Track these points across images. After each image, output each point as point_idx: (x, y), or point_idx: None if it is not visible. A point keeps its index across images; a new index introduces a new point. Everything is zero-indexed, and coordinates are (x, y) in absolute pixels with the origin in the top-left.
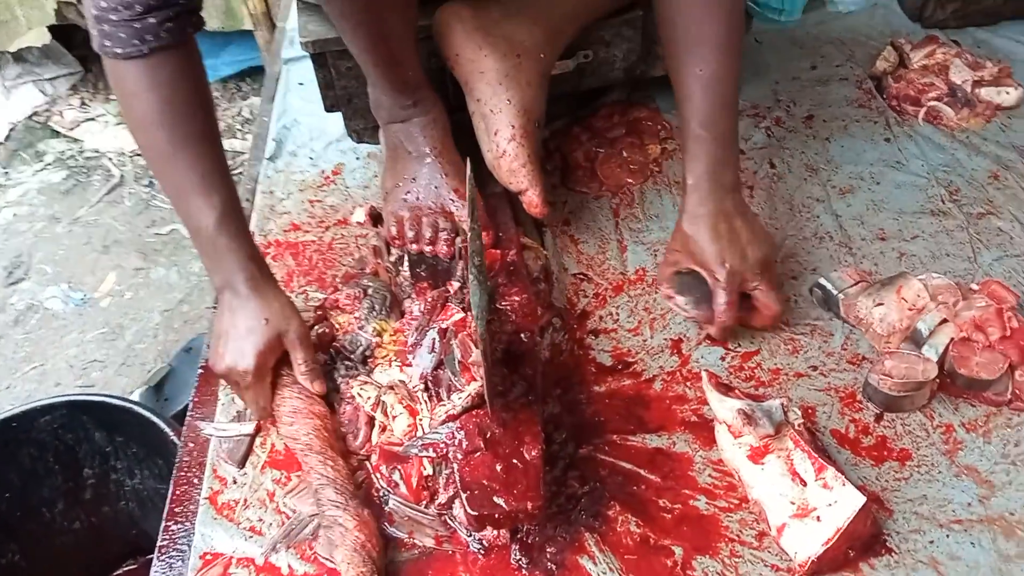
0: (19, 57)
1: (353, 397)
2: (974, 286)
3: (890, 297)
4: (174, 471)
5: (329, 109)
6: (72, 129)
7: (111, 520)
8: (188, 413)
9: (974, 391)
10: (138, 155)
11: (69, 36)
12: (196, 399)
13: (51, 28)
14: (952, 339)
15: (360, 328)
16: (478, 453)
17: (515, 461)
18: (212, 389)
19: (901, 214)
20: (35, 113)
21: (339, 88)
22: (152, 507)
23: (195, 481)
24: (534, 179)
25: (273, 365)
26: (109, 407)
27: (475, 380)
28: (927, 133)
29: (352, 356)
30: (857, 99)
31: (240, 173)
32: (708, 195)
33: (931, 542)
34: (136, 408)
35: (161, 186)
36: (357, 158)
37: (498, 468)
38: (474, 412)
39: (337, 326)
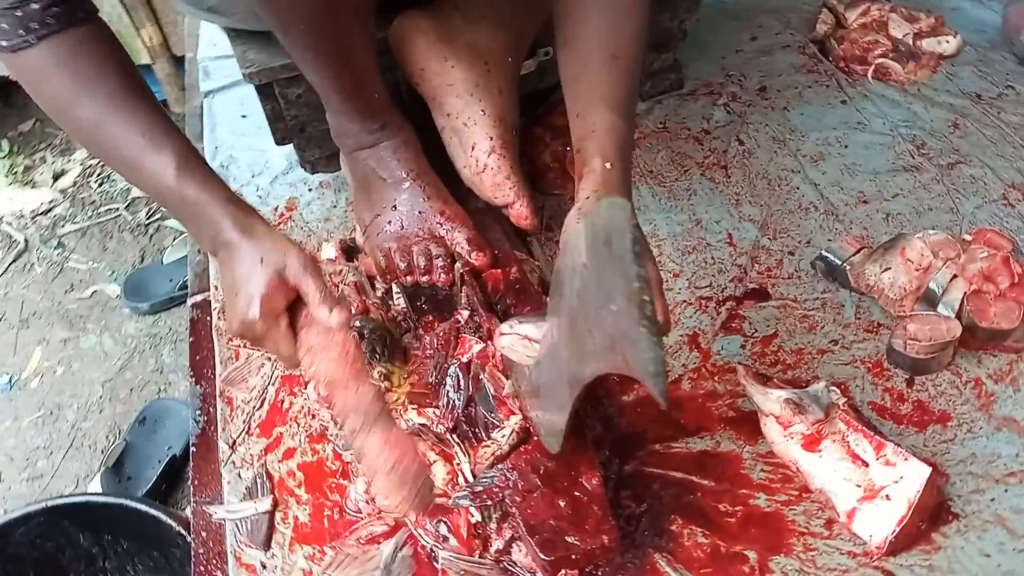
0: None
1: None
2: (967, 236)
3: (895, 260)
4: (192, 568)
5: (280, 142)
6: None
7: None
8: (192, 499)
9: (994, 342)
10: (40, 215)
11: None
12: (197, 481)
13: None
14: (965, 293)
15: None
16: (536, 492)
17: (578, 494)
18: (213, 468)
19: (876, 174)
20: None
21: (290, 118)
22: None
23: (218, 574)
24: (520, 191)
25: (287, 307)
26: (92, 507)
27: (514, 414)
28: (880, 90)
29: None
30: (804, 65)
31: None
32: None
33: (992, 499)
34: (124, 503)
35: (110, 165)
36: (310, 189)
37: (562, 504)
38: (522, 449)
39: None
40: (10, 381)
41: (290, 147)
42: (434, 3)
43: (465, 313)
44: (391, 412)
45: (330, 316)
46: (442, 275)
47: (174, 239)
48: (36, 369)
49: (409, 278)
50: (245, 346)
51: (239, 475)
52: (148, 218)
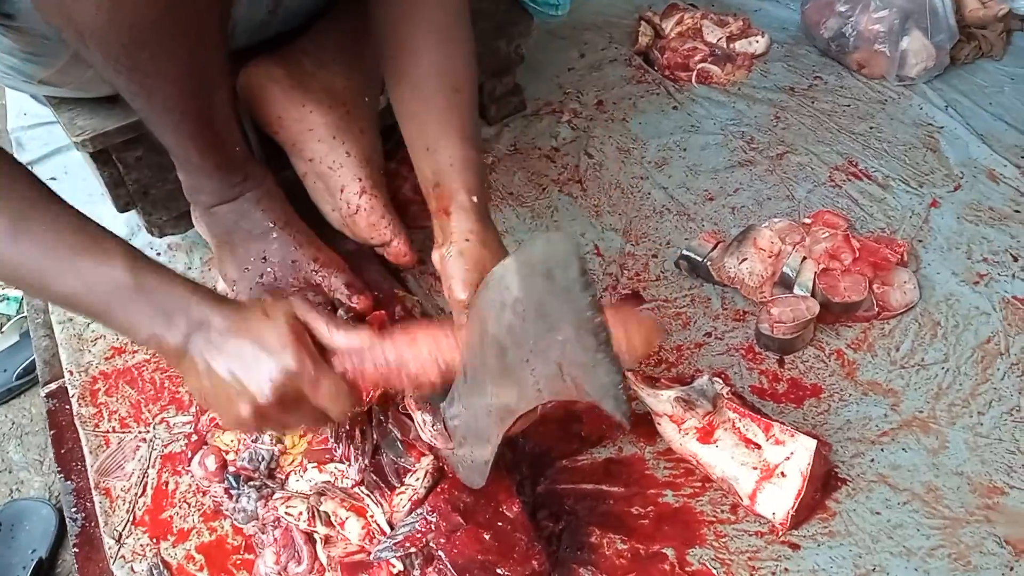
0: None
1: (279, 519)
2: (807, 220)
3: (749, 251)
4: None
5: (123, 209)
6: None
7: None
8: None
9: (848, 313)
10: None
11: None
12: None
13: None
14: (816, 273)
15: (255, 440)
16: (459, 530)
17: (500, 524)
18: (101, 567)
19: (716, 172)
20: None
21: (131, 183)
22: None
23: None
24: (396, 228)
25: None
26: None
27: (424, 455)
28: (705, 93)
29: (256, 474)
30: (633, 76)
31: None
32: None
33: (872, 460)
34: None
35: (25, 287)
36: (159, 254)
37: (487, 537)
38: (439, 489)
39: (224, 447)
40: None
41: (131, 213)
42: (279, 50)
43: None
44: None
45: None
46: None
47: (2, 326)
48: None
49: None
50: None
51: (132, 569)
52: None
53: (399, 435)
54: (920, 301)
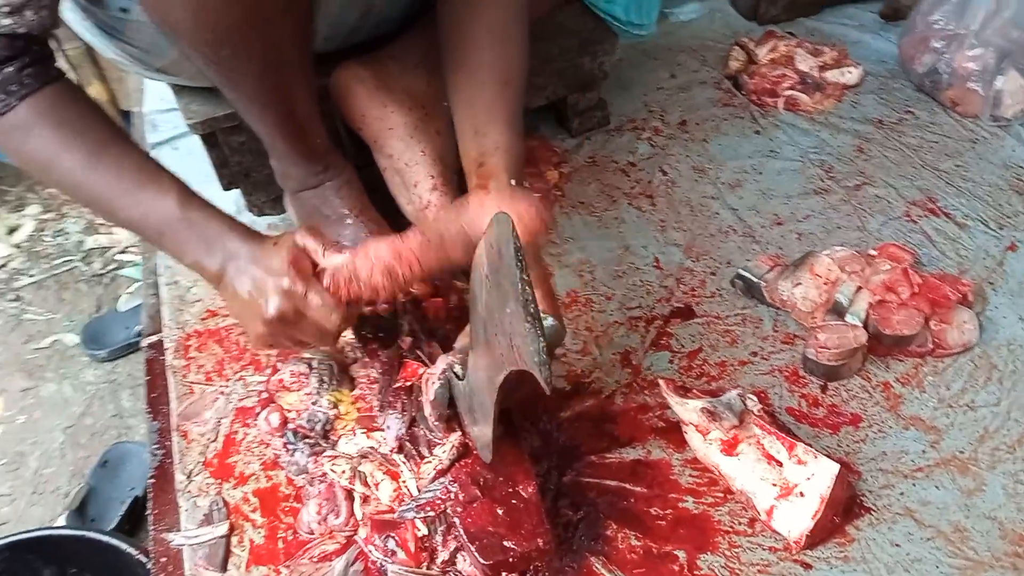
0: None
1: (325, 475)
2: (872, 251)
3: (805, 276)
4: None
5: (227, 187)
6: None
7: None
8: (150, 528)
9: (900, 347)
10: None
11: None
12: (155, 511)
13: None
14: (870, 303)
15: (314, 403)
16: (476, 502)
17: (514, 502)
18: (169, 497)
19: (789, 198)
20: None
21: (234, 165)
22: None
23: None
24: None
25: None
26: (56, 540)
27: (453, 431)
28: (790, 120)
29: (312, 433)
30: (720, 99)
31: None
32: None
33: (901, 493)
34: (87, 535)
35: (96, 210)
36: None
37: (500, 512)
38: (462, 462)
39: (287, 406)
40: None
41: (238, 192)
42: (371, 52)
43: (408, 340)
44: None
45: (337, 255)
46: (383, 304)
47: (129, 288)
48: None
49: None
50: (276, 354)
51: (195, 503)
52: (103, 268)
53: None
54: (980, 343)
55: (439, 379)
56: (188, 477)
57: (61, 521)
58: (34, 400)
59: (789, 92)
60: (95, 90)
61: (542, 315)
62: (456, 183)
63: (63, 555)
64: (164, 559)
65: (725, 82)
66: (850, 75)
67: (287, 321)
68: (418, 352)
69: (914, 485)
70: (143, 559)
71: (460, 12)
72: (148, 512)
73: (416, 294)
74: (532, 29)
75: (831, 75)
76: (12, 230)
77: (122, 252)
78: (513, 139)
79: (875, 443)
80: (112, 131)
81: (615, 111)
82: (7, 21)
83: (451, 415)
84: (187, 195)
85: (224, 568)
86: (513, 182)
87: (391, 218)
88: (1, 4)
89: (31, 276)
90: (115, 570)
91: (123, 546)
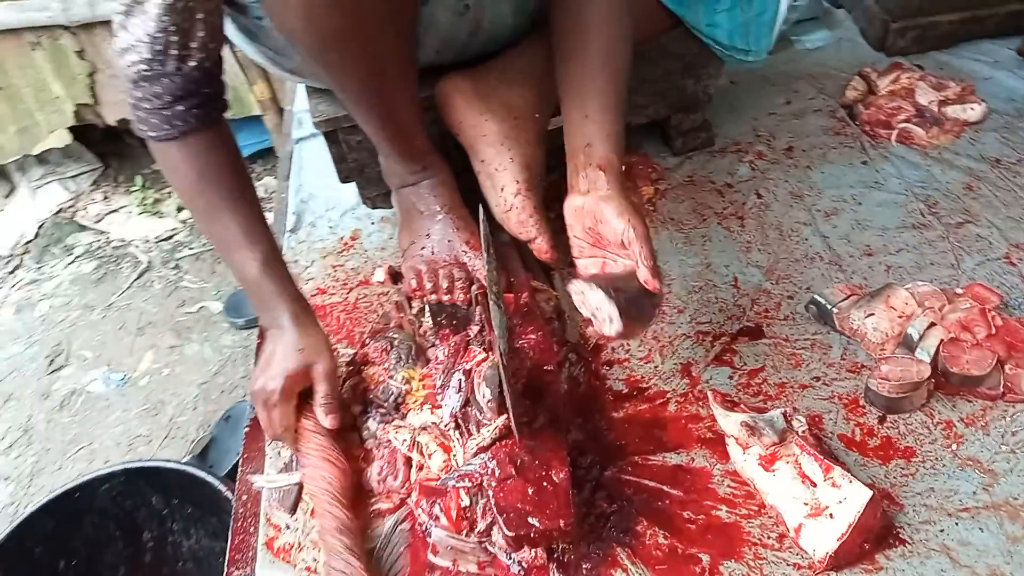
0: (42, 159)
1: (390, 441)
2: (959, 290)
3: (879, 307)
4: (231, 522)
5: (344, 180)
6: (97, 222)
7: None
8: (239, 468)
9: (968, 387)
10: (162, 240)
11: (87, 135)
12: (245, 455)
13: (70, 129)
14: (942, 340)
15: (390, 377)
16: (510, 480)
17: (545, 484)
18: (259, 445)
19: (885, 230)
20: (60, 210)
21: (351, 161)
22: (208, 567)
23: (251, 530)
24: (542, 228)
25: (300, 392)
26: (164, 471)
27: (501, 414)
28: (901, 153)
29: (385, 404)
30: (832, 128)
31: None
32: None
33: (941, 531)
34: (189, 470)
35: (211, 243)
36: (372, 223)
37: (530, 491)
38: (503, 443)
39: (368, 378)
40: (123, 379)
41: (355, 184)
42: (473, 67)
43: (475, 328)
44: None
45: (327, 419)
46: (460, 295)
47: None
48: (146, 370)
49: (434, 296)
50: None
51: (279, 453)
52: None
53: (485, 395)
54: None
55: (491, 364)
56: None
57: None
58: (178, 357)
59: (904, 124)
60: (260, 89)
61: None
62: (541, 190)
63: (168, 486)
64: (245, 497)
65: (840, 111)
66: (972, 111)
67: (261, 403)
68: (483, 340)
69: (957, 524)
70: (230, 496)
71: (570, 7)
72: (239, 455)
73: None
74: (637, 51)
75: (952, 110)
76: (180, 208)
77: None
78: (621, 126)
79: (924, 479)
80: (239, 188)
81: (722, 133)
82: (174, 63)
83: (500, 398)
84: (268, 266)
85: (293, 511)
86: (624, 168)
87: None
88: (172, 44)
89: (191, 249)
90: (210, 504)
91: (215, 482)
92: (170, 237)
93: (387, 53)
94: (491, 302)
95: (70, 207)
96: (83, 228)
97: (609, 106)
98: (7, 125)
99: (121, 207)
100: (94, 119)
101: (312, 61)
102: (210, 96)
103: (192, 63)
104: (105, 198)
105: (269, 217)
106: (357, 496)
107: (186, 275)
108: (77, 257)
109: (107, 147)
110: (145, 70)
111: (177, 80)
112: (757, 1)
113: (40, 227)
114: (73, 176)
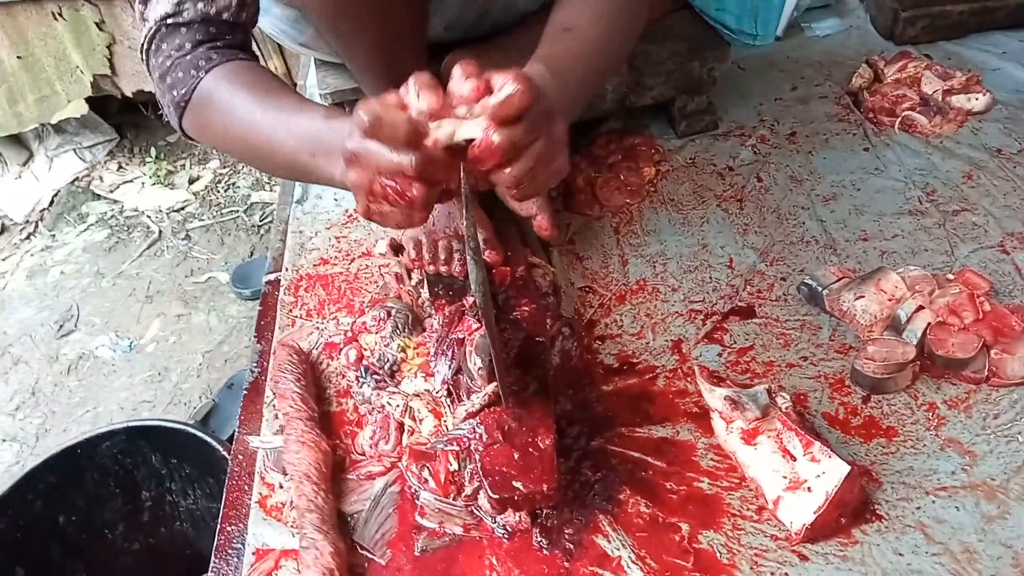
0: (59, 128)
1: (383, 407)
2: (950, 276)
3: (870, 290)
4: (227, 480)
5: None
6: (112, 191)
7: (167, 541)
8: (236, 430)
9: (953, 370)
10: (175, 211)
11: (105, 106)
12: (243, 417)
13: (88, 99)
14: (929, 324)
15: (386, 346)
16: (497, 444)
17: (531, 450)
18: (257, 408)
19: (881, 216)
20: (76, 179)
21: None
22: (204, 527)
23: (246, 488)
24: (543, 205)
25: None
26: (165, 430)
27: (491, 382)
28: (903, 140)
29: (381, 371)
30: (836, 114)
31: (270, 221)
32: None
33: (918, 508)
34: (190, 430)
35: (263, 157)
36: None
37: (516, 456)
38: (492, 409)
39: (365, 345)
40: (130, 345)
41: None
42: (478, 43)
43: (471, 299)
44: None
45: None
46: (458, 266)
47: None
48: (153, 337)
49: (431, 267)
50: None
51: (276, 416)
52: (261, 220)
53: (476, 363)
54: None
55: (483, 333)
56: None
57: None
58: (185, 325)
59: (907, 113)
60: (273, 64)
61: None
62: None
63: (168, 446)
64: (241, 456)
65: (846, 98)
66: (976, 101)
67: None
68: (476, 311)
69: (934, 502)
70: (228, 457)
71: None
72: (238, 416)
73: (487, 260)
74: (644, 31)
75: (956, 100)
76: (193, 180)
77: None
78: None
79: (904, 458)
80: (281, 84)
81: (727, 117)
82: (200, 5)
83: (491, 367)
84: (333, 111)
85: (287, 472)
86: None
87: (489, 192)
88: None
89: (202, 220)
90: (209, 465)
91: (214, 443)
92: (182, 208)
93: (397, 24)
94: (468, 256)
95: (85, 176)
96: (97, 197)
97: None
98: (26, 94)
99: (135, 178)
100: (112, 90)
101: (324, 30)
102: (233, 44)
103: (213, 11)
104: (120, 168)
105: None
106: (339, 469)
107: (196, 246)
108: (90, 225)
109: (123, 118)
110: (169, 21)
111: (198, 27)
112: None
113: (55, 195)
114: (89, 146)
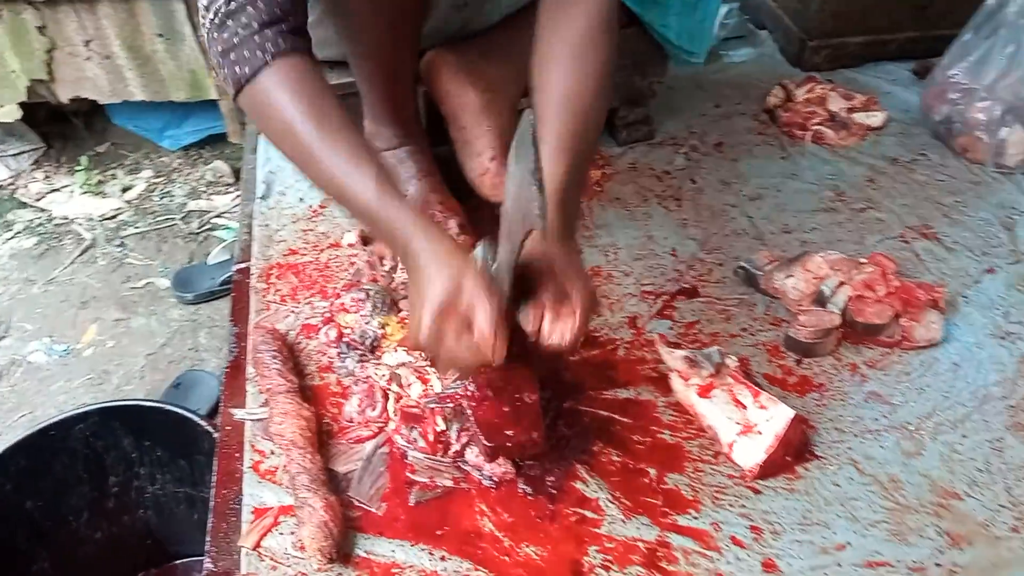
0: None
1: (368, 377)
2: (862, 260)
3: (798, 270)
4: (216, 449)
5: None
6: (38, 200)
7: (128, 529)
8: (221, 405)
9: (871, 335)
10: (108, 219)
11: (33, 114)
12: (227, 393)
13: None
14: (850, 296)
15: (367, 323)
16: (487, 400)
17: (518, 404)
18: (239, 384)
19: (800, 212)
20: (0, 187)
21: None
22: (168, 515)
23: (236, 455)
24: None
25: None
26: (141, 410)
27: None
28: (814, 151)
29: (362, 346)
30: (755, 128)
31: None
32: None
33: (849, 448)
34: (168, 407)
35: (314, 180)
36: None
37: (505, 409)
38: (480, 370)
39: (344, 324)
40: (66, 350)
41: None
42: (461, 41)
43: None
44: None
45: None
46: None
47: (219, 246)
48: (90, 342)
49: None
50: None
51: (259, 391)
52: (199, 228)
53: None
54: (945, 342)
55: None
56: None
57: None
58: (124, 329)
59: (817, 127)
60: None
61: None
62: None
63: (142, 427)
64: (229, 428)
65: (763, 115)
66: (875, 118)
67: (449, 315)
68: None
69: (862, 443)
70: (211, 431)
71: (545, 23)
72: (221, 393)
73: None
74: None
75: (858, 116)
76: (126, 189)
77: (217, 216)
78: (574, 179)
79: (835, 408)
80: (338, 113)
81: (661, 129)
82: None
83: None
84: (383, 187)
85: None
86: (560, 228)
87: (455, 185)
88: None
89: (136, 228)
90: (186, 443)
91: (196, 419)
92: (115, 216)
93: (406, 12)
94: (535, 185)
95: (9, 184)
96: (23, 205)
97: (565, 153)
98: None
99: (63, 186)
100: (47, 96)
101: (335, 9)
102: (294, 27)
103: None
104: (47, 177)
105: (213, 202)
106: (328, 436)
107: (131, 252)
108: (17, 233)
109: (51, 127)
110: (231, 5)
111: (261, 6)
112: (700, 9)
113: None
114: (14, 155)
